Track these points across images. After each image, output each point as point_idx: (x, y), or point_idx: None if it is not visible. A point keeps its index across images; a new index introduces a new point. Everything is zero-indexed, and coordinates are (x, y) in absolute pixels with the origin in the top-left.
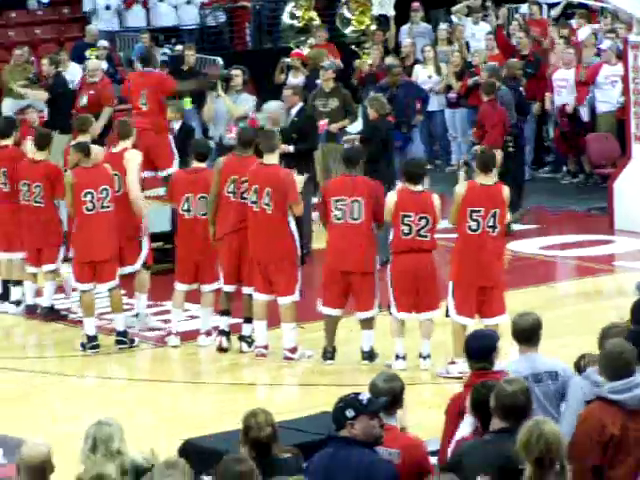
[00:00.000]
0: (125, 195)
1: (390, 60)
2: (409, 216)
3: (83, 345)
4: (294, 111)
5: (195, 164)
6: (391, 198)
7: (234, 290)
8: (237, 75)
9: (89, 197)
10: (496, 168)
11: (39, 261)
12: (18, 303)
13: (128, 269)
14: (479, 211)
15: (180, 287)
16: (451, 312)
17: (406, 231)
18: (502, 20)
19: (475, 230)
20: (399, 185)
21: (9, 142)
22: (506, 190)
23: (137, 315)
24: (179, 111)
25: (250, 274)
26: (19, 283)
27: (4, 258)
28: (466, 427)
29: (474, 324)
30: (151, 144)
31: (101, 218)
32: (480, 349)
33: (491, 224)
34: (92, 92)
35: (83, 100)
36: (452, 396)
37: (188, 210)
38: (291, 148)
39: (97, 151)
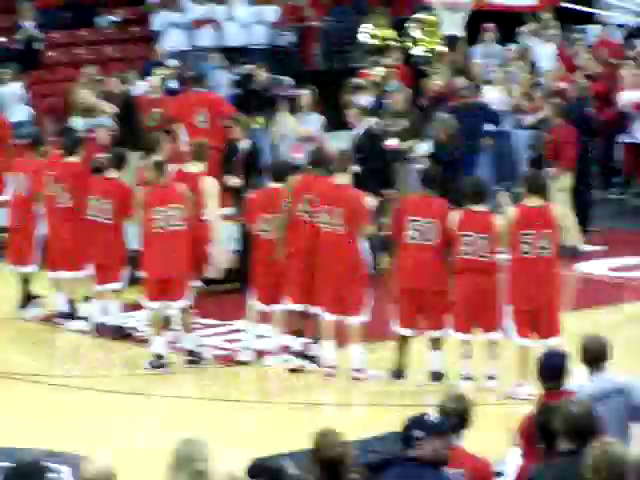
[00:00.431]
0: (195, 216)
1: (461, 82)
2: (470, 236)
3: (151, 363)
4: (359, 130)
5: (272, 184)
6: (453, 217)
7: (304, 310)
8: (305, 95)
9: (160, 215)
10: (566, 189)
11: (103, 279)
12: (86, 319)
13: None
14: (530, 234)
15: (258, 307)
16: (511, 334)
17: (467, 251)
18: (569, 41)
19: (527, 253)
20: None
21: (76, 159)
22: (557, 211)
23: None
24: (246, 130)
25: (319, 294)
26: (86, 300)
27: (67, 277)
28: (516, 456)
29: (536, 345)
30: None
31: (172, 237)
32: (551, 369)
33: (543, 246)
34: (157, 109)
35: (152, 117)
36: (524, 416)
37: (265, 230)
38: (356, 168)
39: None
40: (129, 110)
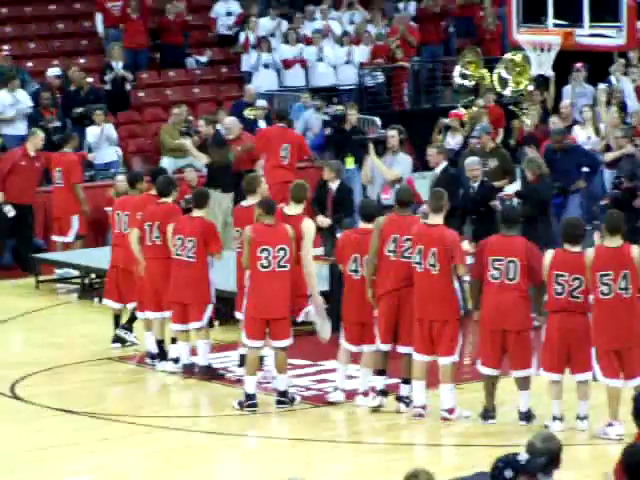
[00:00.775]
0: (297, 257)
1: (556, 124)
2: (562, 276)
3: (241, 403)
4: (438, 170)
5: (362, 225)
6: (547, 257)
7: (390, 350)
8: (393, 136)
9: (265, 254)
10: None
11: (186, 319)
12: (176, 360)
13: None
14: (609, 275)
15: (348, 347)
16: (598, 376)
17: (559, 291)
18: None
19: (607, 294)
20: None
21: (169, 200)
22: (635, 250)
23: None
24: (337, 171)
25: (410, 334)
26: (175, 341)
27: (156, 317)
28: None
29: (622, 385)
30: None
31: (276, 276)
32: None
33: (623, 286)
34: (238, 149)
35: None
36: (619, 458)
37: (356, 271)
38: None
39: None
40: (218, 151)
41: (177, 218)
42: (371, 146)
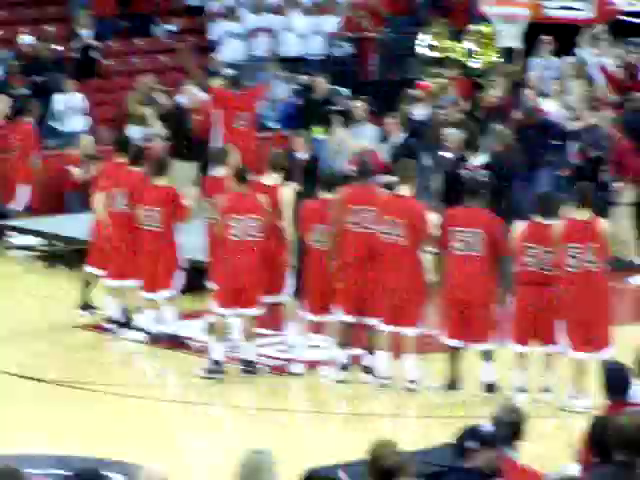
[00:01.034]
0: (274, 226)
1: (530, 97)
2: (534, 248)
3: (207, 370)
4: (396, 140)
5: (323, 195)
6: (518, 229)
7: (355, 321)
8: (359, 107)
9: (235, 223)
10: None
11: (156, 287)
12: (142, 329)
13: (270, 299)
14: (577, 247)
15: (309, 317)
16: (566, 348)
17: (530, 263)
18: (625, 53)
19: (575, 267)
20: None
21: (139, 169)
22: (603, 224)
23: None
24: (307, 142)
25: (374, 305)
26: (141, 309)
27: (123, 285)
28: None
29: (589, 358)
30: None
31: (247, 246)
32: (615, 381)
33: (590, 259)
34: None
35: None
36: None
37: (318, 241)
38: (393, 178)
39: None
40: (181, 121)
41: (145, 185)
42: (337, 117)
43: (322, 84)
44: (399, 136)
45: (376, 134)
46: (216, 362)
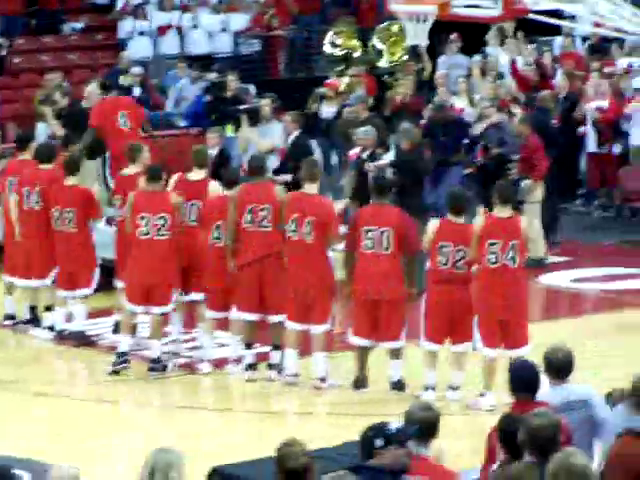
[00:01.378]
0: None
1: (442, 96)
2: (447, 246)
3: (114, 364)
4: (291, 138)
5: (225, 192)
6: (431, 227)
7: (257, 319)
8: (266, 105)
9: (144, 222)
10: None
11: (72, 285)
12: (51, 328)
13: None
14: (497, 244)
15: (211, 314)
16: (477, 345)
17: (443, 262)
18: (535, 52)
19: (494, 263)
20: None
21: (50, 166)
22: (524, 221)
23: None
24: (219, 139)
25: (277, 302)
26: (49, 309)
27: (33, 285)
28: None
29: (503, 355)
30: None
31: (155, 244)
32: (523, 380)
33: (510, 256)
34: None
35: None
36: (492, 427)
37: (218, 238)
38: (287, 176)
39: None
40: (78, 120)
41: (56, 186)
42: (244, 117)
43: (233, 82)
44: (296, 134)
45: (283, 132)
46: (120, 353)
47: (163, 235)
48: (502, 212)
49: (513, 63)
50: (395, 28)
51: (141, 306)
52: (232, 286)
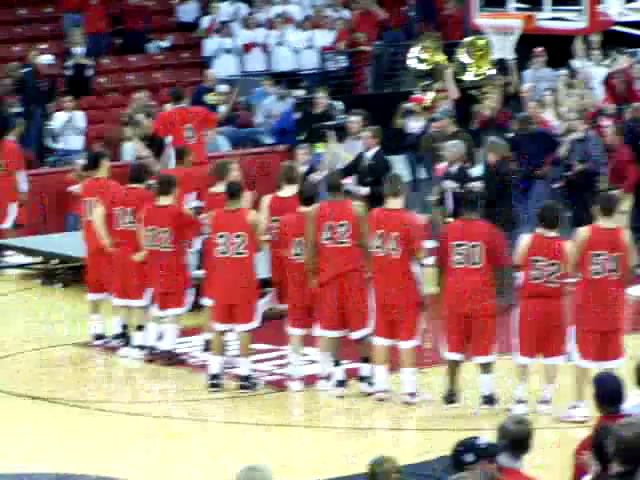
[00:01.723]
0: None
1: (532, 109)
2: (539, 261)
3: (212, 384)
4: (370, 154)
5: (303, 208)
6: (523, 242)
7: (340, 336)
8: (356, 121)
9: (222, 240)
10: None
11: (165, 305)
12: (141, 348)
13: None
14: (602, 255)
15: (293, 331)
16: (574, 357)
17: (536, 276)
18: (624, 65)
19: (598, 274)
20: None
21: (141, 186)
22: (627, 233)
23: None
24: (308, 155)
25: (360, 318)
26: (140, 328)
27: (123, 304)
28: (591, 473)
29: (598, 367)
30: None
31: (235, 262)
32: (609, 392)
33: (613, 268)
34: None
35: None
36: (581, 440)
37: (298, 254)
38: (365, 190)
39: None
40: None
41: (149, 205)
42: (331, 133)
43: (322, 99)
44: (374, 150)
45: (363, 147)
46: (213, 376)
47: (241, 253)
48: (606, 223)
49: (609, 76)
50: (481, 42)
51: (226, 324)
52: (314, 303)
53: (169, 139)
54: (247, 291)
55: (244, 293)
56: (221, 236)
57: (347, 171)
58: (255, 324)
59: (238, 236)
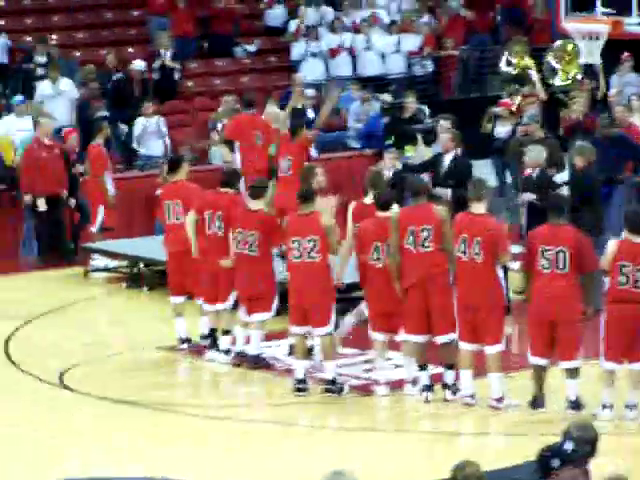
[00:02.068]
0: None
1: (620, 113)
2: (627, 266)
3: (297, 389)
4: (449, 157)
5: (379, 213)
6: (611, 247)
7: (426, 340)
8: (443, 125)
9: (296, 245)
10: None
11: (251, 309)
12: (228, 352)
13: None
14: (628, 266)
15: (376, 337)
16: None
17: (623, 281)
18: None
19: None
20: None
21: (231, 190)
22: None
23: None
24: (396, 160)
25: (445, 323)
26: (227, 332)
27: (211, 309)
28: None
29: None
30: None
31: (307, 267)
32: None
33: None
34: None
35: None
36: None
37: (378, 259)
38: (445, 192)
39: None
40: None
41: (239, 210)
42: (420, 137)
43: (411, 103)
44: (452, 153)
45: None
46: (298, 380)
47: (313, 258)
48: (636, 238)
49: None
50: (570, 47)
51: (302, 327)
52: (398, 308)
53: (237, 144)
54: (321, 295)
55: (318, 297)
56: (294, 241)
57: (423, 168)
58: (331, 328)
59: (310, 240)
